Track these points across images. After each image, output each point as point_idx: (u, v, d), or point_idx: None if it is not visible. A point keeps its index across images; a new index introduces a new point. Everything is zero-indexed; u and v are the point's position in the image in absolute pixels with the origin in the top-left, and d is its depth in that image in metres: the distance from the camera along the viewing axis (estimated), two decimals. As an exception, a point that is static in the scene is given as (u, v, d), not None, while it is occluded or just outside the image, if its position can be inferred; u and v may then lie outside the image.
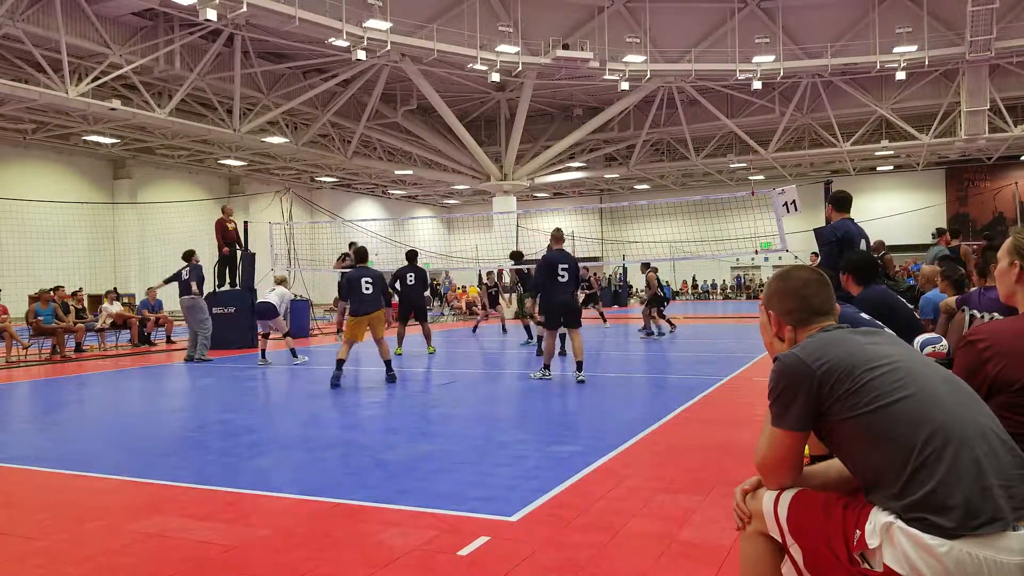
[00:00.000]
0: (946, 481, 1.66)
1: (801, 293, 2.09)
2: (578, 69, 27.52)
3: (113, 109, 22.15)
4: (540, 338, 12.03)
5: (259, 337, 12.22)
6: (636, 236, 34.57)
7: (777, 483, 1.99)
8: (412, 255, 13.12)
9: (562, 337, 10.38)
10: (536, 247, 16.78)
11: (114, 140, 28.03)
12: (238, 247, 15.31)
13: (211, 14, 19.50)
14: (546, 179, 37.16)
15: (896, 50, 27.29)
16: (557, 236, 9.17)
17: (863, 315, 3.75)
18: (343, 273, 10.05)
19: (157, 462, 5.22)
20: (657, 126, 34.47)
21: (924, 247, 16.71)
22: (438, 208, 51.15)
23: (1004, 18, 26.37)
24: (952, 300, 5.19)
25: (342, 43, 22.77)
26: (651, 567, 3.12)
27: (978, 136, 29.75)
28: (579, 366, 8.76)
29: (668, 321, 16.14)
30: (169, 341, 16.40)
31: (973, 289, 4.85)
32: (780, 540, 1.96)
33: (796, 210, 10.05)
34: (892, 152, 34.71)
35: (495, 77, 26.55)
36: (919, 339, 3.90)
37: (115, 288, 19.49)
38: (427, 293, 16.92)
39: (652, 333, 15.57)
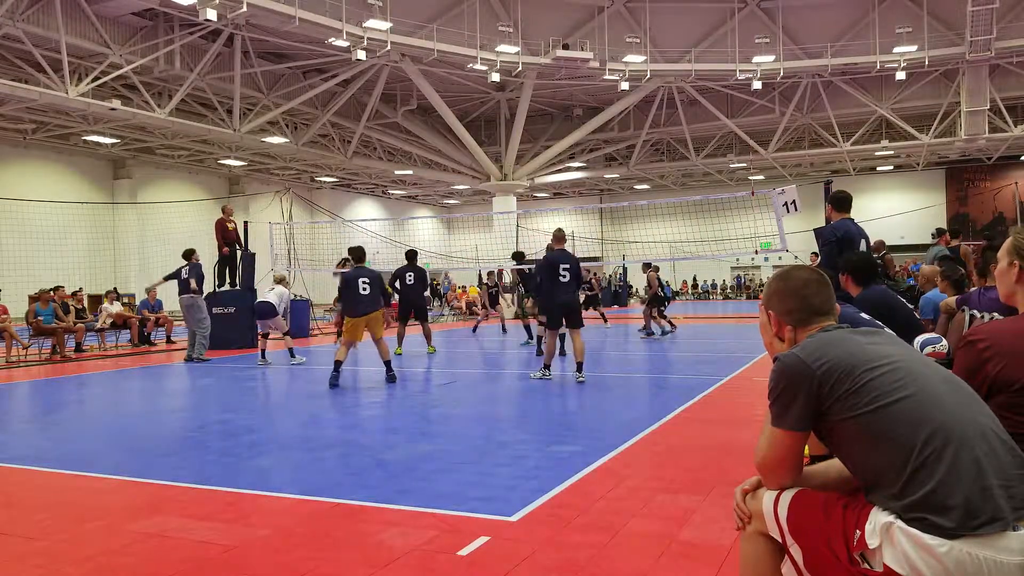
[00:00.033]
0: (946, 481, 1.66)
1: (801, 293, 2.09)
2: (578, 69, 27.52)
3: (113, 109, 22.16)
4: (540, 338, 12.04)
5: (259, 337, 12.23)
6: (636, 236, 34.56)
7: (777, 483, 1.99)
8: (412, 255, 13.14)
9: (562, 337, 10.37)
10: (536, 247, 16.76)
11: (114, 140, 28.03)
12: (238, 247, 15.32)
13: (211, 14, 19.50)
14: (546, 179, 37.15)
15: (896, 50, 27.28)
16: (558, 236, 9.16)
17: (863, 315, 3.74)
18: (342, 275, 10.05)
19: (157, 462, 5.23)
20: (657, 126, 34.46)
21: (924, 247, 16.72)
22: (438, 208, 51.14)
23: (1004, 18, 26.36)
24: (952, 300, 5.19)
25: (342, 43, 22.77)
26: (651, 567, 3.12)
27: (978, 136, 29.74)
28: (579, 367, 8.76)
29: (668, 321, 16.14)
30: (169, 341, 16.41)
31: (973, 289, 4.85)
32: (780, 540, 1.96)
33: (796, 210, 10.06)
34: (892, 152, 34.70)
35: (495, 77, 26.54)
36: (919, 339, 3.89)
37: (115, 288, 19.47)
38: (427, 293, 16.92)
39: (652, 333, 15.57)
